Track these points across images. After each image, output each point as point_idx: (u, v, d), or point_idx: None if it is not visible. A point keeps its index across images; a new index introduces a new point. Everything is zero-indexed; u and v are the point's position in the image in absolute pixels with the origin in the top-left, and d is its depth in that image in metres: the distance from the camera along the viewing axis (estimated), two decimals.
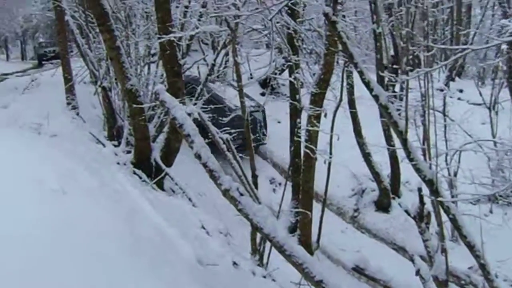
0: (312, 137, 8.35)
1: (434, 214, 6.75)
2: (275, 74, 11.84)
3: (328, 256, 9.87)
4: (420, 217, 5.44)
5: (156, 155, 8.84)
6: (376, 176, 11.31)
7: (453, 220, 5.10)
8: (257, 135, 12.16)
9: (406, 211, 5.52)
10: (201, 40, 15.53)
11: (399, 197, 11.53)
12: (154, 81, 10.19)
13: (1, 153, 5.73)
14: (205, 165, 4.35)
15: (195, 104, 8.82)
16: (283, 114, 13.41)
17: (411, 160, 5.19)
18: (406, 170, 10.31)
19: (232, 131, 7.19)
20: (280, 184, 12.46)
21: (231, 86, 12.51)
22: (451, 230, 9.29)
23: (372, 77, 5.65)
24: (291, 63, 9.18)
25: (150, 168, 8.70)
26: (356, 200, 11.74)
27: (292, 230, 9.39)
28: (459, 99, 15.81)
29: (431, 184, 5.13)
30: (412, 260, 5.19)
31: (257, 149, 10.15)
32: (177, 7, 9.85)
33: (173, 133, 8.65)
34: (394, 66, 11.18)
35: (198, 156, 4.33)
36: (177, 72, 8.27)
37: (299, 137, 8.73)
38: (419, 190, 5.47)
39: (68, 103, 11.76)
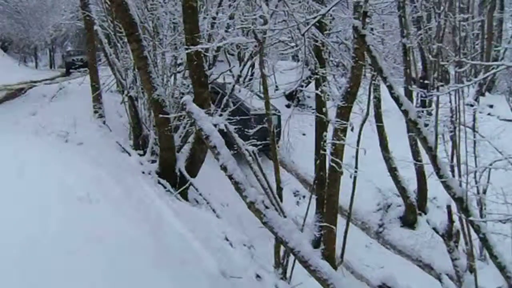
0: (338, 151, 8.25)
1: (462, 232, 6.57)
2: (302, 86, 11.82)
3: (352, 271, 9.69)
4: (449, 236, 5.32)
5: (180, 165, 8.86)
6: (402, 191, 11.11)
7: (484, 240, 4.95)
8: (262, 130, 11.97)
9: (435, 229, 5.37)
10: (227, 51, 15.63)
11: (425, 213, 11.29)
12: (180, 91, 10.26)
13: (30, 160, 5.82)
14: (230, 177, 4.33)
15: (220, 115, 8.82)
16: (308, 127, 13.36)
17: (440, 177, 5.08)
18: (433, 186, 10.11)
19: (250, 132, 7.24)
20: (304, 196, 12.35)
21: (257, 96, 12.52)
22: (480, 249, 9.03)
23: (400, 91, 5.56)
24: (318, 76, 9.13)
25: (174, 178, 8.72)
26: (381, 215, 11.54)
27: (315, 244, 9.26)
28: (489, 114, 15.44)
29: (461, 202, 5.00)
30: (439, 279, 5.06)
31: (269, 152, 10.12)
32: (204, 18, 9.94)
33: (198, 143, 8.67)
34: (424, 81, 11.00)
35: (224, 168, 4.31)
36: (203, 82, 8.29)
37: (325, 150, 8.64)
38: (448, 207, 5.34)
39: (95, 112, 11.87)
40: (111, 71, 11.95)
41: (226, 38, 8.66)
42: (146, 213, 5.64)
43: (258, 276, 5.65)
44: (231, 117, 8.99)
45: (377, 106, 10.95)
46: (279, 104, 14.71)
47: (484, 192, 9.42)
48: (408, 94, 10.21)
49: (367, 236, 11.33)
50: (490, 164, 7.26)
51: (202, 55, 8.11)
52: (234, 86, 9.74)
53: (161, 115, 8.19)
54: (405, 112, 5.15)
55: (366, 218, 11.57)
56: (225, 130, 4.75)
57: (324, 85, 9.11)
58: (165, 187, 8.47)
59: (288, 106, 15.43)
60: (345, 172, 8.37)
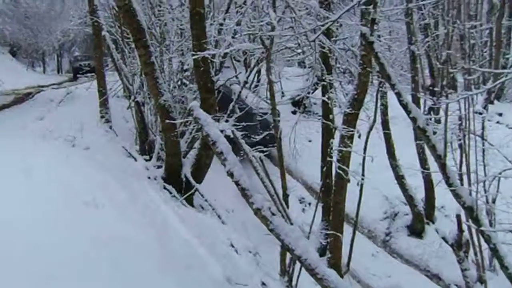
0: (345, 158, 8.18)
1: (471, 242, 6.49)
2: (308, 93, 11.77)
3: (358, 280, 9.59)
4: (459, 245, 5.24)
5: (186, 170, 8.84)
6: (410, 199, 11.01)
7: (494, 250, 4.89)
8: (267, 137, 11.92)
9: (444, 238, 5.30)
10: (233, 57, 15.63)
11: (433, 222, 11.17)
12: (187, 96, 10.25)
13: (37, 165, 5.82)
14: (237, 183, 4.30)
15: (227, 121, 8.80)
16: (314, 133, 13.30)
17: (449, 185, 5.03)
18: (441, 195, 10.01)
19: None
20: (309, 204, 12.28)
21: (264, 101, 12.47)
22: (490, 259, 8.91)
23: (408, 98, 5.51)
24: (324, 82, 9.09)
25: (180, 184, 8.69)
26: (388, 224, 11.43)
27: (321, 252, 9.18)
28: (498, 122, 15.32)
29: (471, 211, 4.94)
30: None
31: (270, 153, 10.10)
32: (211, 24, 9.95)
33: (204, 149, 8.64)
34: (434, 88, 10.94)
35: (231, 174, 4.29)
36: (210, 88, 8.28)
37: (331, 157, 8.58)
38: (458, 217, 5.27)
39: (102, 117, 11.90)
40: (118, 76, 11.99)
41: (233, 44, 8.67)
42: (151, 218, 5.61)
43: (263, 283, 5.60)
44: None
45: (384, 113, 10.88)
46: (286, 110, 14.67)
47: (494, 201, 9.32)
48: (416, 101, 10.13)
49: (373, 244, 11.21)
50: (500, 173, 7.18)
51: (209, 61, 8.11)
52: (241, 91, 9.71)
53: (167, 121, 8.18)
54: (414, 120, 5.11)
55: (373, 226, 11.46)
56: (232, 136, 4.72)
57: (331, 92, 9.07)
58: (170, 193, 8.45)
59: (294, 112, 15.39)
60: (351, 180, 8.30)
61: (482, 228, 4.75)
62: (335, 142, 8.46)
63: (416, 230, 11.06)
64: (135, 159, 9.71)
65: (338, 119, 8.62)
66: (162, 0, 10.42)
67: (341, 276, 7.82)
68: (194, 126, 9.16)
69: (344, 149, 8.06)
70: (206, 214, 8.38)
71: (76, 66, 28.32)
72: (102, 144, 9.98)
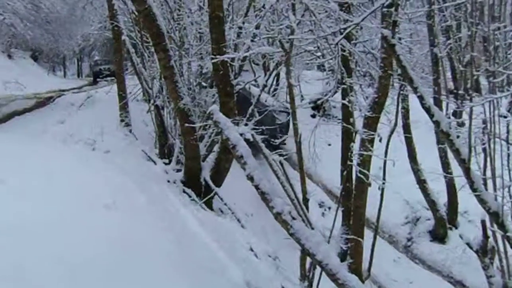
0: (365, 162, 8.08)
1: (497, 248, 6.32)
2: (326, 95, 11.69)
3: (379, 286, 9.46)
4: (484, 252, 5.10)
5: (206, 174, 8.84)
6: (432, 204, 10.82)
7: None
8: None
9: (468, 244, 5.18)
10: (252, 61, 15.64)
11: (456, 227, 10.96)
12: (206, 100, 10.27)
13: (58, 168, 5.87)
14: (257, 187, 4.26)
15: (246, 124, 8.78)
16: (334, 137, 13.19)
17: (474, 190, 4.91)
18: (464, 199, 9.82)
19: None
20: (329, 208, 12.18)
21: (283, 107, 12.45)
22: None
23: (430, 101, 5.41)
24: (344, 85, 9.00)
25: (199, 187, 8.70)
26: (410, 229, 11.26)
27: (341, 257, 9.07)
28: None
29: (497, 217, 4.82)
30: None
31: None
32: (230, 28, 9.96)
33: (223, 153, 8.63)
34: (458, 92, 10.75)
35: (251, 178, 4.25)
36: (229, 92, 8.28)
37: (352, 161, 8.49)
38: (483, 222, 5.14)
39: (122, 120, 11.99)
40: (138, 80, 12.08)
41: (252, 48, 8.65)
42: (171, 222, 5.61)
43: None
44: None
45: (406, 117, 10.75)
46: (305, 114, 14.60)
47: None
48: (438, 104, 9.97)
49: (395, 250, 11.06)
50: None
51: (228, 64, 8.10)
52: (260, 95, 9.69)
53: (186, 124, 8.20)
54: (437, 123, 5.02)
55: (394, 231, 11.30)
56: (251, 140, 4.69)
57: (351, 95, 8.98)
58: (190, 196, 8.46)
59: (313, 116, 15.31)
60: (372, 184, 8.19)
61: (508, 234, 4.62)
62: (356, 146, 8.37)
63: (438, 236, 10.87)
64: (155, 163, 9.75)
65: (359, 123, 8.53)
66: (181, 4, 10.47)
67: (362, 282, 7.71)
68: (213, 130, 9.16)
69: (365, 153, 7.96)
70: (226, 218, 8.36)
71: (96, 70, 28.69)
72: (122, 148, 10.06)
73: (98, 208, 4.71)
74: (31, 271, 3.24)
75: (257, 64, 17.02)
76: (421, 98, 4.96)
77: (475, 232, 5.68)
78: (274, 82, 14.65)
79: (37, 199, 4.56)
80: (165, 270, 4.03)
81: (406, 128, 10.87)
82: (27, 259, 3.35)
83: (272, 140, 9.63)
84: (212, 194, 8.62)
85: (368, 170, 8.09)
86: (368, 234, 8.96)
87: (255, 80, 12.01)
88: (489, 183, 6.76)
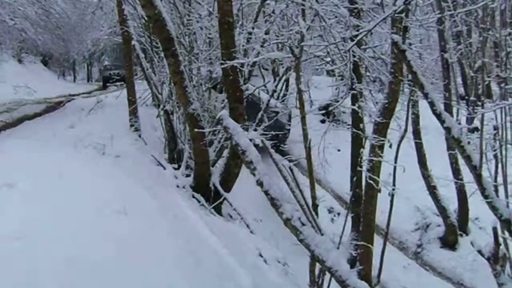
0: (375, 168, 8.03)
1: (508, 255, 6.25)
2: (337, 101, 11.66)
3: None
4: (495, 259, 5.05)
5: (215, 179, 8.84)
6: (442, 210, 10.73)
7: None
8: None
9: (479, 251, 5.12)
10: (261, 66, 15.66)
11: (467, 234, 10.84)
12: (215, 105, 10.29)
13: (68, 173, 5.90)
14: (266, 193, 4.26)
15: (255, 129, 8.78)
16: (343, 142, 13.11)
17: (485, 197, 4.86)
18: (475, 206, 9.72)
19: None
20: (338, 214, 12.12)
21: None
22: None
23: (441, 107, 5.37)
24: (354, 91, 8.98)
25: (208, 193, 8.70)
26: (420, 235, 11.15)
27: (351, 263, 9.02)
28: None
29: (508, 224, 4.77)
30: None
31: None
32: (240, 33, 9.98)
33: (233, 158, 8.63)
34: (469, 98, 10.67)
35: (260, 184, 4.25)
36: (239, 97, 8.28)
37: (361, 166, 8.45)
38: (494, 229, 5.09)
39: (131, 125, 12.02)
40: (147, 85, 12.13)
41: (262, 53, 8.66)
42: (180, 227, 5.62)
43: None
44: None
45: (416, 123, 10.68)
46: (314, 119, 14.55)
47: None
48: (449, 110, 9.91)
49: (404, 256, 10.95)
50: None
51: (237, 70, 8.12)
52: (269, 100, 9.69)
53: (196, 129, 8.21)
54: (448, 129, 4.97)
55: (404, 238, 11.21)
56: (261, 145, 4.69)
57: (361, 101, 8.95)
58: (199, 201, 8.46)
59: (323, 121, 15.26)
60: (383, 190, 8.15)
61: None
62: (365, 151, 8.33)
63: (449, 242, 10.76)
64: (164, 168, 9.77)
65: (368, 128, 8.49)
66: (191, 9, 10.52)
67: None
68: (222, 135, 9.17)
69: (375, 158, 7.92)
70: (235, 223, 8.35)
71: (106, 75, 28.91)
72: (131, 153, 10.09)
73: (108, 213, 4.73)
74: (43, 276, 3.26)
75: (267, 70, 17.03)
76: (432, 104, 4.92)
77: (486, 239, 5.63)
78: (284, 88, 14.66)
79: (47, 204, 4.60)
80: (174, 275, 4.03)
81: (416, 134, 10.80)
82: (39, 264, 3.36)
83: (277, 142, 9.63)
84: (221, 200, 8.62)
85: (378, 176, 8.05)
86: (377, 240, 8.88)
87: (265, 86, 12.03)
88: (501, 189, 6.71)
